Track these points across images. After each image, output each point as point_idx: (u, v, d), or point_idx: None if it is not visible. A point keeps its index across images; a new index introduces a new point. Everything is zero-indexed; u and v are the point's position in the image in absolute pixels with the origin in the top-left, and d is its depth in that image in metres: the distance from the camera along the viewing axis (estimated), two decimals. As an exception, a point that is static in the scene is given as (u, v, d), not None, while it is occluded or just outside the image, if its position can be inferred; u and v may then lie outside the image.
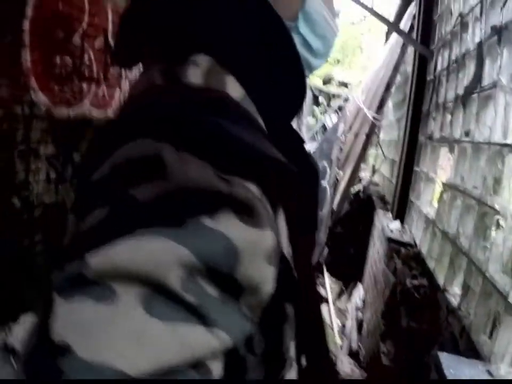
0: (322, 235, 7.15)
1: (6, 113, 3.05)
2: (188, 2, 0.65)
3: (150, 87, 0.60)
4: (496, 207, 2.75)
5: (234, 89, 0.59)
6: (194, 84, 0.57)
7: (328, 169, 7.80)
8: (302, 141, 0.80)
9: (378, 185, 7.80)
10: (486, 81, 3.41)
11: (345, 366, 4.34)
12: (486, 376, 2.35)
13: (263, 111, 0.63)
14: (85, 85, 3.86)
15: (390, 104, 8.14)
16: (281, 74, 0.69)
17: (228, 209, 0.47)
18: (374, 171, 8.21)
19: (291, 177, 0.56)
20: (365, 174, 8.82)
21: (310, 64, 0.82)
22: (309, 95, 19.16)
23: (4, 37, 2.96)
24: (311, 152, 8.95)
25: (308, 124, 17.67)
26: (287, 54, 0.70)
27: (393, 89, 7.87)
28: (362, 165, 9.64)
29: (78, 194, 0.59)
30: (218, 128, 0.50)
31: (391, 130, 7.79)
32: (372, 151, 9.32)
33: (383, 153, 8.07)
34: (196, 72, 0.58)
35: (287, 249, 0.59)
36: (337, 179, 7.82)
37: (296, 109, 0.75)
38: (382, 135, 8.75)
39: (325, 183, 7.70)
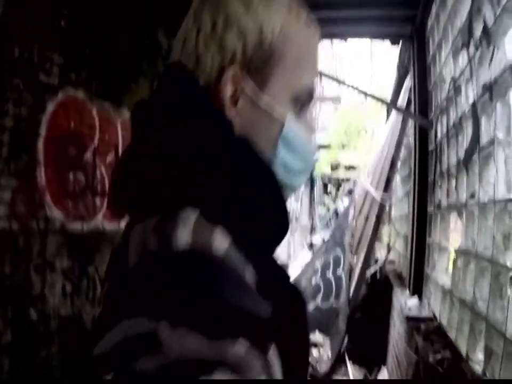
0: (341, 324, 6.92)
1: (22, 228, 3.11)
2: (176, 157, 0.73)
3: (144, 255, 0.66)
4: (508, 264, 2.62)
5: (220, 241, 0.65)
6: (183, 248, 0.62)
7: (342, 257, 7.72)
8: (285, 271, 0.87)
9: (395, 262, 7.61)
10: (484, 139, 3.38)
11: None
12: None
13: (250, 246, 0.69)
14: (97, 200, 3.95)
15: (398, 179, 8.13)
16: (267, 214, 0.78)
17: (223, 368, 0.51)
18: (389, 249, 8.04)
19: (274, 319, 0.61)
20: (380, 253, 8.64)
21: (292, 184, 0.89)
22: (319, 185, 19.35)
23: (20, 156, 3.09)
24: (324, 241, 8.90)
25: (319, 214, 17.70)
26: (271, 197, 0.79)
27: (399, 165, 7.89)
28: (377, 245, 9.50)
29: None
30: (206, 296, 0.57)
31: (402, 205, 7.71)
32: (385, 229, 9.21)
33: (395, 229, 7.95)
34: (184, 231, 0.64)
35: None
36: (351, 265, 7.68)
37: (279, 240, 0.84)
38: (393, 211, 8.68)
39: (339, 271, 7.59)
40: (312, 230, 16.96)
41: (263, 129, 0.82)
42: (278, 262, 0.86)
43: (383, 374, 6.03)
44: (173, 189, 0.71)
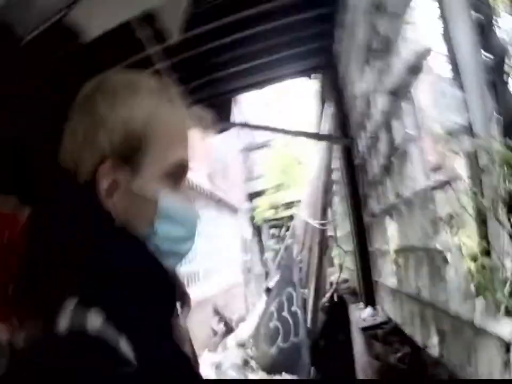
0: (305, 357, 6.87)
1: None
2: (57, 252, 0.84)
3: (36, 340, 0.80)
4: (439, 246, 2.73)
5: (93, 321, 0.76)
6: (62, 332, 0.75)
7: (294, 294, 7.72)
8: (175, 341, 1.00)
9: (348, 280, 7.69)
10: (398, 139, 3.54)
11: None
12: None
13: (126, 321, 0.79)
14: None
15: (336, 200, 8.31)
16: (146, 292, 0.87)
17: None
18: (341, 269, 8.12)
19: None
20: (334, 277, 8.71)
21: (180, 251, 1.01)
22: (265, 231, 19.40)
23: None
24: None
25: (267, 260, 17.72)
26: (151, 275, 0.89)
27: (334, 187, 8.09)
28: (330, 269, 9.57)
29: None
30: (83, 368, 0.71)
31: (343, 224, 7.86)
32: (334, 251, 9.32)
33: (343, 249, 8.08)
34: (64, 319, 0.76)
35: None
36: (305, 299, 7.70)
37: (170, 313, 1.00)
38: (338, 232, 8.81)
39: (294, 307, 7.59)
40: (267, 276, 16.95)
41: (141, 209, 0.91)
42: (176, 331, 1.01)
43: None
44: (56, 283, 0.83)
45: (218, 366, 8.12)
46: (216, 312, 10.40)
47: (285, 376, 7.24)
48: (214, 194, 12.02)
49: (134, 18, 3.14)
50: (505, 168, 2.05)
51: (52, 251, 0.84)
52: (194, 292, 9.35)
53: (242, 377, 7.55)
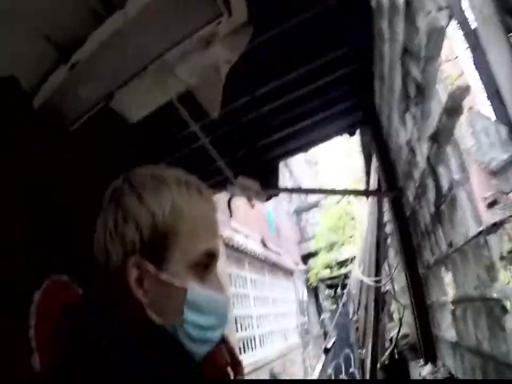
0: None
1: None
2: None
3: None
4: (496, 295, 2.56)
5: None
6: None
7: (351, 355, 7.50)
8: None
9: (408, 336, 7.34)
10: (445, 186, 3.42)
11: None
12: None
13: None
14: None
15: (392, 254, 8.08)
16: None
17: None
18: (400, 324, 7.78)
19: None
20: (394, 332, 8.36)
21: (209, 339, 1.03)
22: (322, 291, 19.04)
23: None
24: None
25: (324, 321, 17.31)
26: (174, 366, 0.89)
27: (389, 240, 7.88)
28: (389, 325, 9.21)
29: None
30: None
31: (400, 277, 7.59)
32: (393, 305, 8.99)
33: (401, 303, 7.77)
34: None
35: None
36: (363, 360, 7.42)
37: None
38: (396, 286, 8.53)
39: (352, 369, 7.35)
40: (325, 337, 16.52)
41: (169, 299, 0.93)
42: None
43: None
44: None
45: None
46: (273, 377, 10.12)
47: None
48: (269, 258, 11.92)
49: (173, 98, 3.24)
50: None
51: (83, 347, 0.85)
52: (250, 357, 9.15)
53: None
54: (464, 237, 3.12)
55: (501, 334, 2.59)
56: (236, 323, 8.74)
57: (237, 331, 8.67)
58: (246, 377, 8.46)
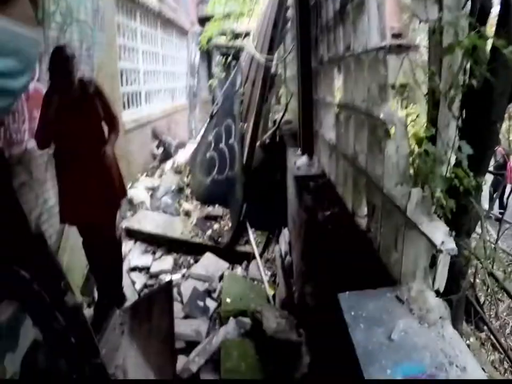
0: (238, 194, 6.78)
1: None
2: None
3: None
4: (382, 116, 2.45)
5: None
6: None
7: (233, 126, 7.41)
8: None
9: (291, 122, 7.44)
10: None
11: (271, 322, 4.06)
12: (394, 304, 2.08)
13: None
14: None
15: (289, 37, 7.76)
16: None
17: None
18: (285, 109, 7.82)
19: None
20: (278, 115, 8.44)
21: (9, 89, 0.88)
22: (214, 58, 18.44)
23: None
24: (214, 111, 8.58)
25: (213, 87, 17.07)
26: None
27: (289, 24, 7.47)
28: (276, 107, 9.28)
29: None
30: None
31: (293, 64, 7.40)
32: (282, 90, 8.97)
33: (289, 89, 7.72)
34: None
35: None
36: (243, 133, 7.39)
37: None
38: (287, 72, 8.39)
39: (231, 140, 7.33)
40: (213, 102, 16.48)
41: None
42: None
43: (284, 235, 6.07)
44: None
45: (154, 191, 8.07)
46: (156, 136, 10.01)
47: (217, 207, 7.28)
48: (163, 14, 10.99)
49: None
50: (469, 57, 1.73)
51: None
52: (134, 114, 8.90)
53: (176, 205, 7.54)
54: (364, 45, 2.89)
55: (378, 155, 2.55)
56: (121, 76, 8.24)
57: (121, 85, 8.20)
58: (128, 135, 8.26)
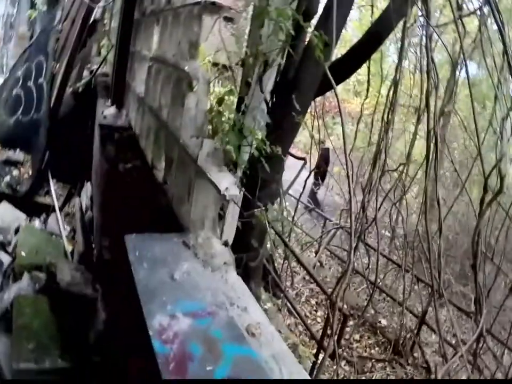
0: (42, 139, 6.31)
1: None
2: None
3: None
4: (187, 69, 2.45)
5: None
6: None
7: (44, 64, 6.81)
8: None
9: (108, 75, 7.10)
10: None
11: (65, 274, 3.89)
12: (180, 248, 2.12)
13: None
14: None
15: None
16: None
17: None
18: (104, 61, 7.43)
19: None
20: (96, 66, 7.99)
21: None
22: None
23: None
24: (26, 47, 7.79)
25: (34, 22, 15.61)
26: None
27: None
28: (96, 58, 8.76)
29: None
30: None
31: (116, 16, 7.04)
32: (104, 41, 8.49)
33: (111, 41, 7.34)
34: None
35: None
36: (53, 73, 6.85)
37: None
38: (113, 23, 7.96)
39: (41, 80, 6.75)
40: (31, 38, 15.00)
41: None
42: None
43: (87, 189, 5.81)
44: None
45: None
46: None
47: (18, 152, 6.70)
48: None
49: None
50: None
51: None
52: None
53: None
54: (183, 1, 2.86)
55: (180, 109, 2.56)
56: None
57: None
58: None
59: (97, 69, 7.25)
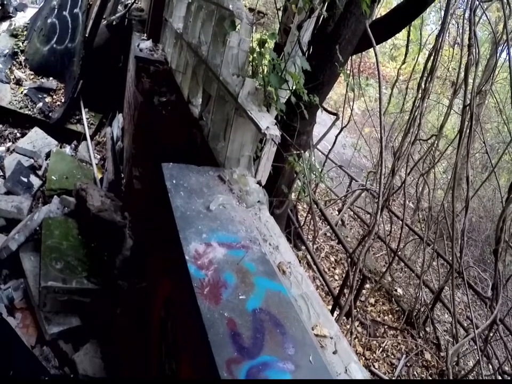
0: (75, 68, 6.20)
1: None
2: None
3: None
4: (231, 7, 2.35)
5: None
6: None
7: (79, 0, 6.62)
8: None
9: (143, 11, 6.91)
10: None
11: (96, 200, 3.88)
12: (216, 182, 2.10)
13: None
14: None
15: None
16: None
17: None
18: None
19: None
20: (130, 0, 7.75)
21: None
22: None
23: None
24: None
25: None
26: None
27: None
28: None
29: None
30: None
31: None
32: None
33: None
34: None
35: None
36: (89, 4, 6.67)
37: None
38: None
39: (77, 10, 6.56)
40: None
41: None
42: None
43: (118, 120, 5.75)
44: None
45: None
46: None
47: (53, 81, 6.61)
48: None
49: None
50: None
51: None
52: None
53: (7, 71, 6.64)
54: None
55: (221, 47, 2.48)
56: None
57: None
58: None
59: (132, 3, 7.05)
